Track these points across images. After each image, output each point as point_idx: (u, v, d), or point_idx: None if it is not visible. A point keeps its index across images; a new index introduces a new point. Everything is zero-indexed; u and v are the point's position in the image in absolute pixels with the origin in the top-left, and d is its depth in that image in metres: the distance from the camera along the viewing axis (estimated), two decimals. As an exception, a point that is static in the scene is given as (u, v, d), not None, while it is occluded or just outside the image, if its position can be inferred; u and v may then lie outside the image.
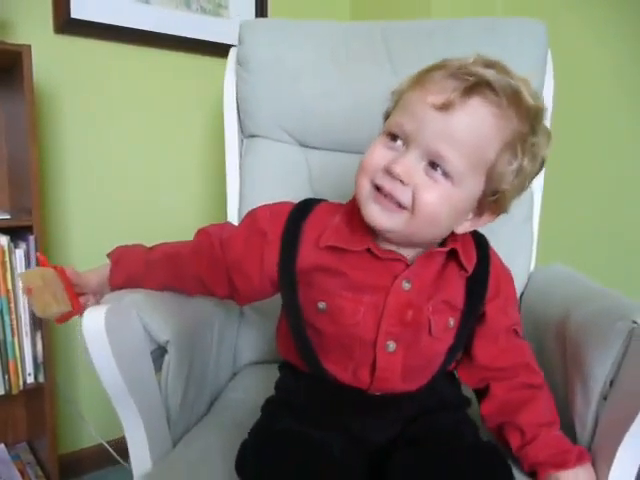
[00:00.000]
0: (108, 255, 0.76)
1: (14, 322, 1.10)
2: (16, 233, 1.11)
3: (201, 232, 0.73)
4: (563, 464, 0.63)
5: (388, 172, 0.56)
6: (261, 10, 1.51)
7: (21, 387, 1.13)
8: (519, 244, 0.98)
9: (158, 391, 0.73)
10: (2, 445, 1.31)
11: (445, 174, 0.56)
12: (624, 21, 1.27)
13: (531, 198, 1.00)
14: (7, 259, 1.06)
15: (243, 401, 0.84)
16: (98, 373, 0.66)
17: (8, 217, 1.12)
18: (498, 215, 0.63)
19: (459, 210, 0.59)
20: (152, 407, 0.72)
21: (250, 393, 0.84)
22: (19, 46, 1.03)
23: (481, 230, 0.89)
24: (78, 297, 0.70)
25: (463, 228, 0.62)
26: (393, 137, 0.59)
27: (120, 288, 0.74)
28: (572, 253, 1.36)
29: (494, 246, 0.90)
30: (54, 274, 0.68)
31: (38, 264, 0.71)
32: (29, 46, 1.03)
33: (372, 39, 1.02)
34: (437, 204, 0.56)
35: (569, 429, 0.70)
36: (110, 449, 1.35)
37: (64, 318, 0.68)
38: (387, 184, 0.57)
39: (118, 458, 1.35)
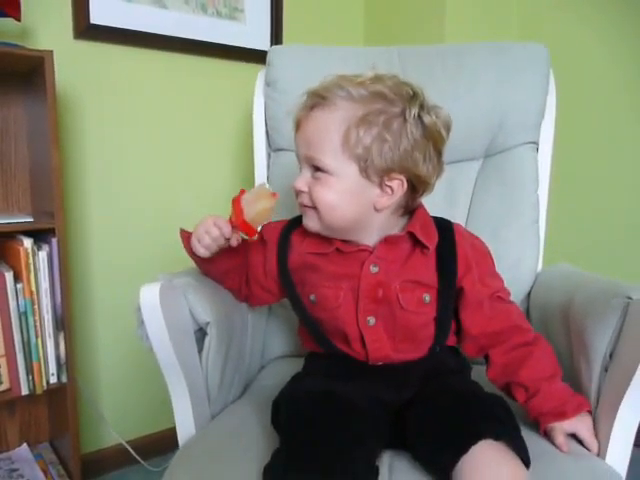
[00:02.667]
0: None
1: (38, 323, 1.11)
2: (39, 236, 1.13)
3: None
4: (562, 415, 0.71)
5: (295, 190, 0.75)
6: (276, 14, 1.53)
7: (45, 387, 1.14)
8: (526, 245, 1.04)
9: (200, 368, 0.80)
10: (25, 445, 1.33)
11: (324, 171, 0.71)
12: (634, 38, 1.31)
13: (537, 203, 1.06)
14: (31, 261, 1.08)
15: (274, 386, 0.87)
16: (152, 344, 0.74)
17: (31, 220, 1.14)
18: (413, 185, 0.73)
19: (353, 192, 0.71)
20: (196, 382, 0.79)
21: (280, 379, 0.87)
22: (41, 52, 1.05)
23: (488, 232, 0.99)
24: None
25: (382, 203, 0.73)
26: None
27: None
28: (579, 254, 1.39)
29: (501, 248, 0.98)
30: None
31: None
32: (51, 52, 1.05)
33: (390, 62, 1.13)
34: (326, 194, 0.71)
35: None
36: (130, 449, 1.37)
37: (246, 228, 0.74)
38: (298, 199, 0.75)
39: (138, 458, 1.37)
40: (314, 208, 0.73)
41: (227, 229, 0.74)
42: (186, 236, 0.79)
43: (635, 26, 1.30)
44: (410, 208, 0.78)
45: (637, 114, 1.32)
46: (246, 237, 0.76)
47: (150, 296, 0.72)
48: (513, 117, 1.05)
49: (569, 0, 1.42)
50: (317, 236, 0.78)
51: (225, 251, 0.78)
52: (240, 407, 0.85)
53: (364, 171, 0.70)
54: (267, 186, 0.74)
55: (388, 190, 0.72)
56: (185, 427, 0.79)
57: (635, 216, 1.33)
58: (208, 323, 0.79)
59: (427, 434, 0.65)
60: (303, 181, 0.73)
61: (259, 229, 0.76)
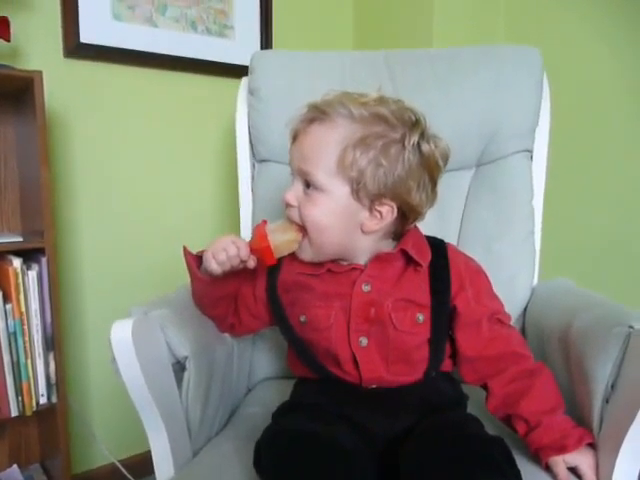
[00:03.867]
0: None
1: (27, 344, 1.10)
2: (28, 255, 1.12)
3: None
4: (562, 449, 0.68)
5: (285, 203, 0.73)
6: (266, 30, 1.53)
7: (34, 408, 1.13)
8: (521, 260, 1.01)
9: (179, 403, 0.77)
10: (15, 466, 1.31)
11: (315, 187, 0.70)
12: (621, 43, 1.30)
13: (532, 214, 1.02)
14: (20, 281, 1.07)
15: (259, 414, 0.86)
16: (125, 381, 0.70)
17: (20, 239, 1.14)
18: (403, 212, 0.72)
19: (342, 212, 0.70)
20: (174, 418, 0.76)
21: (265, 406, 0.86)
22: (31, 72, 1.05)
23: (481, 245, 0.98)
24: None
25: (369, 227, 0.72)
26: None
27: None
28: (576, 267, 1.38)
29: (495, 262, 0.94)
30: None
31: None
32: (40, 72, 1.04)
33: (376, 66, 1.08)
34: (315, 213, 0.70)
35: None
36: (122, 468, 1.35)
37: (267, 255, 0.73)
38: (287, 212, 0.74)
39: (130, 477, 1.35)
40: (303, 230, 0.72)
41: (245, 250, 0.72)
42: (189, 255, 0.77)
43: (628, 29, 1.26)
44: (399, 234, 0.76)
45: (632, 120, 1.29)
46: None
47: (122, 333, 0.68)
48: (506, 124, 1.01)
49: (557, 5, 1.39)
50: None
51: (228, 276, 0.75)
52: (223, 443, 0.81)
53: (355, 193, 0.69)
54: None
55: (377, 215, 0.71)
56: (163, 468, 0.75)
57: (634, 226, 1.30)
58: (186, 357, 0.76)
59: (425, 477, 0.61)
60: (293, 195, 0.72)
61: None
